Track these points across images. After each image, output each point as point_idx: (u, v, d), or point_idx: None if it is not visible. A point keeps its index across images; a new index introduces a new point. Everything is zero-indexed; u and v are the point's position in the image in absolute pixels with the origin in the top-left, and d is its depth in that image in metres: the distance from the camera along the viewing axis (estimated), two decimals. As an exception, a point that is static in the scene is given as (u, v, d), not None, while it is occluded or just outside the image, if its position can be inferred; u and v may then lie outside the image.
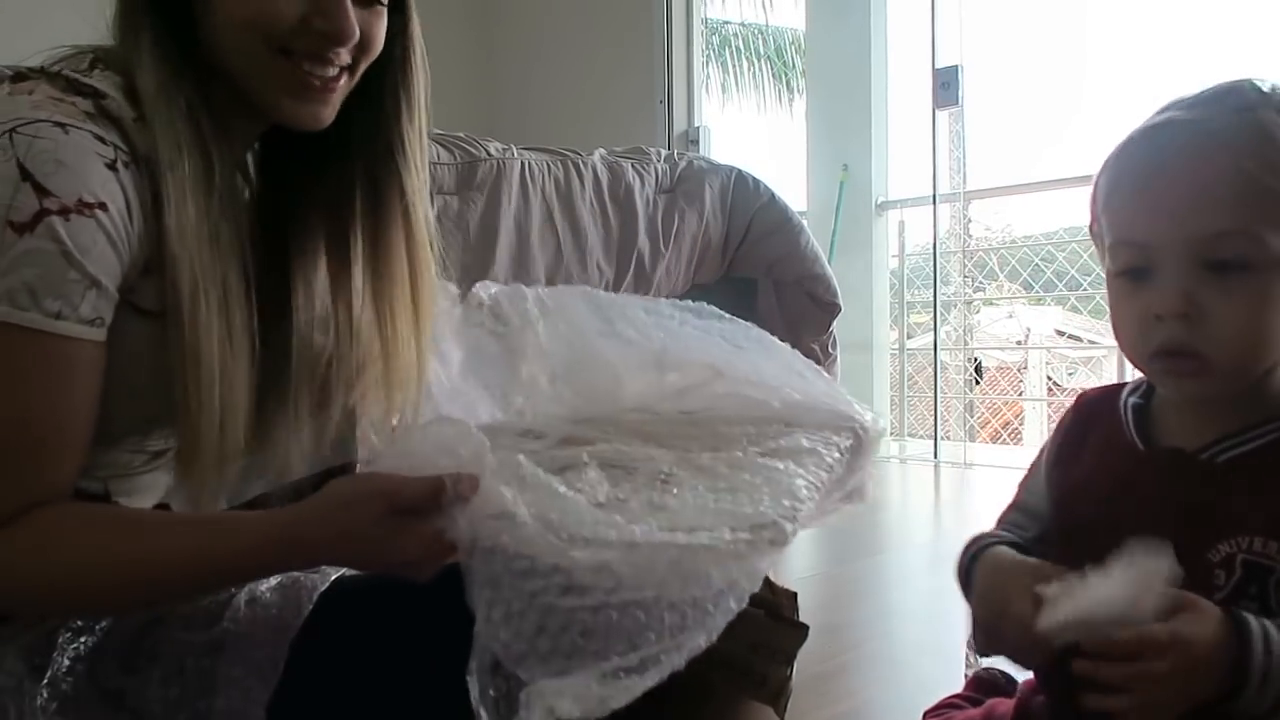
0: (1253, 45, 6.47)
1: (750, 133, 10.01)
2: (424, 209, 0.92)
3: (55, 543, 0.68)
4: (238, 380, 0.78)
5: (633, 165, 2.42)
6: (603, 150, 2.43)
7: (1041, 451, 0.81)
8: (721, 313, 1.02)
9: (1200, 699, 0.56)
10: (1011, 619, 0.65)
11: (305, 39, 0.76)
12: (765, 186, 2.62)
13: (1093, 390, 0.79)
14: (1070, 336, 5.84)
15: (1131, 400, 0.74)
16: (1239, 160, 0.64)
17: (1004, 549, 0.73)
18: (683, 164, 2.53)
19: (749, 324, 1.02)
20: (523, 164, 2.14)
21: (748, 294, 2.73)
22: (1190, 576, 0.63)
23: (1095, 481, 0.73)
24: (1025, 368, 5.67)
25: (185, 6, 0.77)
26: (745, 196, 2.57)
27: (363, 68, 0.83)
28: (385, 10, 0.83)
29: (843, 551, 2.08)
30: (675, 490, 0.73)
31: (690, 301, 1.04)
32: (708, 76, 8.34)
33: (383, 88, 0.87)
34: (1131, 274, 0.68)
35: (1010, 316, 5.94)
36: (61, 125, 0.68)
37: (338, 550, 0.72)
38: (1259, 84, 0.68)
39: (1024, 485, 0.81)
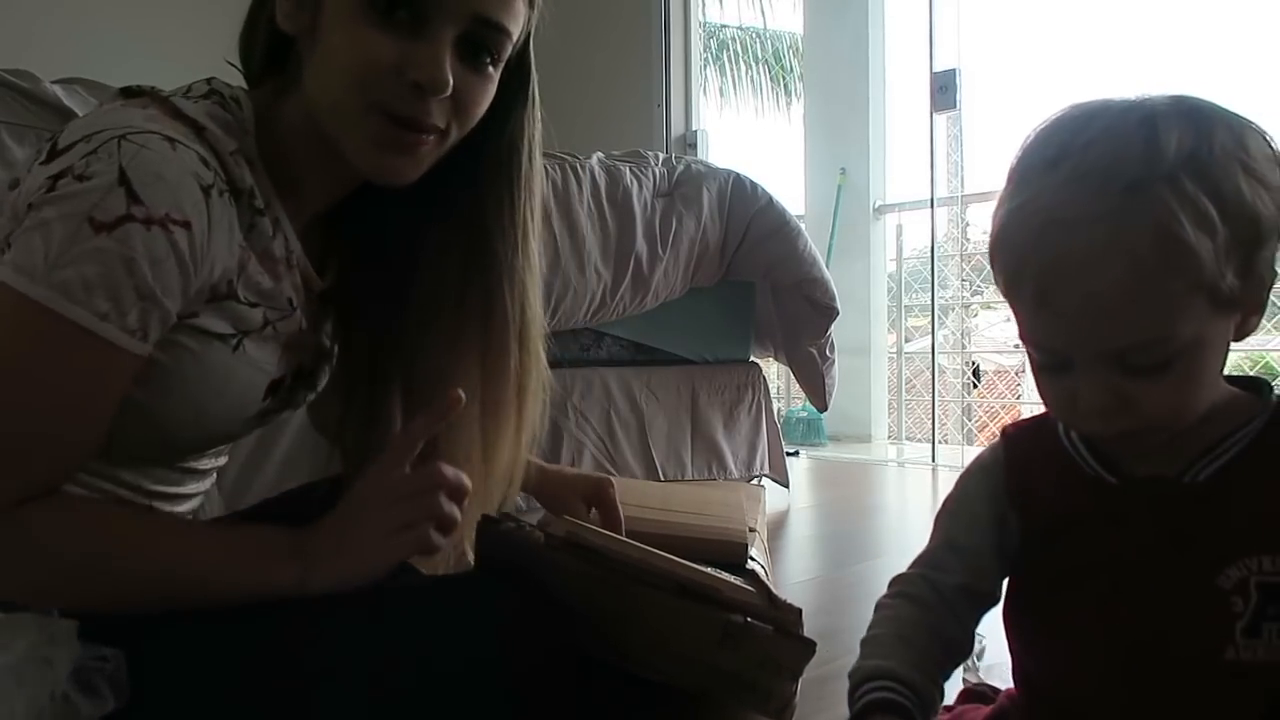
0: (1250, 47, 6.49)
1: (748, 136, 10.02)
2: (533, 302, 0.93)
3: (41, 541, 0.66)
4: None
5: (630, 169, 2.42)
6: (600, 153, 2.42)
7: (960, 486, 0.75)
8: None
9: None
10: None
11: (397, 89, 0.74)
12: (763, 190, 2.62)
13: (1016, 424, 0.74)
14: (1068, 340, 5.83)
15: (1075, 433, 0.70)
16: (1137, 265, 0.58)
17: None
18: (680, 167, 2.53)
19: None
20: (520, 167, 2.14)
21: (746, 298, 2.73)
22: (1204, 605, 0.61)
23: (1076, 520, 0.68)
24: (1023, 371, 5.66)
25: (291, 49, 0.79)
26: (743, 200, 2.57)
27: (455, 133, 0.80)
28: (493, 77, 0.82)
29: (840, 555, 2.08)
30: None
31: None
32: (705, 80, 8.35)
33: (482, 166, 0.88)
34: (1051, 367, 0.64)
35: (1008, 320, 5.94)
36: (171, 141, 0.68)
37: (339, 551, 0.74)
38: (1154, 132, 0.59)
39: (949, 523, 0.75)
